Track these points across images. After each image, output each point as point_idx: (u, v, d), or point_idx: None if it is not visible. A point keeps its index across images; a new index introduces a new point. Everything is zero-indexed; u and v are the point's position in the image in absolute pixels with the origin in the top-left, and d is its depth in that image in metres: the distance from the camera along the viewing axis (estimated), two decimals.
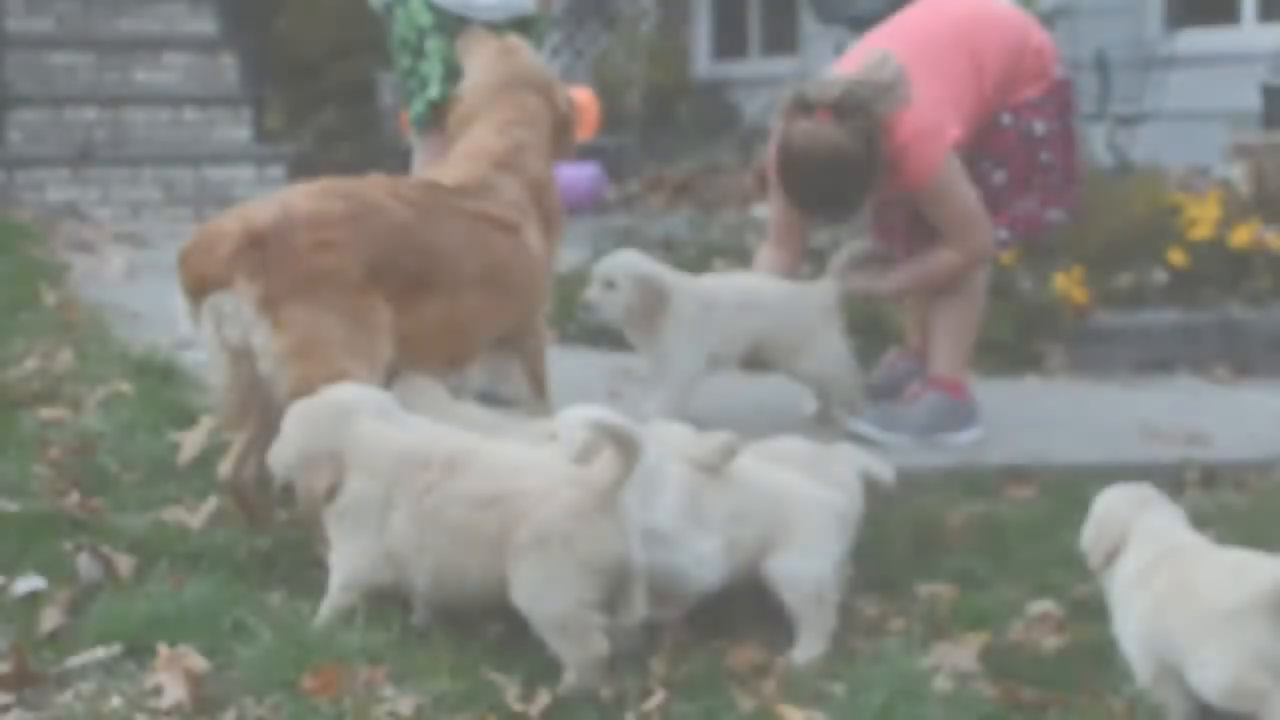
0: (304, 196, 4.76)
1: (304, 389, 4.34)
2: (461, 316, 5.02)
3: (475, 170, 5.24)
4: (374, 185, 4.97)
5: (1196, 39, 12.52)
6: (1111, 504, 4.00)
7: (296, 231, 4.58)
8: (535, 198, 5.33)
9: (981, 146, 6.01)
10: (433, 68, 6.32)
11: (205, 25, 14.01)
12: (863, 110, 5.67)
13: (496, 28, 6.03)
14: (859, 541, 4.57)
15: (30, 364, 6.40)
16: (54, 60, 13.23)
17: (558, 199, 5.53)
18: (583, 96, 13.84)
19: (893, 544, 4.91)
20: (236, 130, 13.13)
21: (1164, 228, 8.36)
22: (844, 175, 5.73)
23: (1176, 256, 8.15)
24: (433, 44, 6.30)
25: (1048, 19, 12.15)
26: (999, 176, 6.07)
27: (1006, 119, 6.03)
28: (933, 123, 5.82)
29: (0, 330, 7.02)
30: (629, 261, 5.87)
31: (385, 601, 3.99)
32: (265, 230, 4.55)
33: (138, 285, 8.68)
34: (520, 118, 5.42)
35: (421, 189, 5.08)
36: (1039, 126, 6.06)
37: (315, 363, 4.48)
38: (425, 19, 6.31)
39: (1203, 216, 8.28)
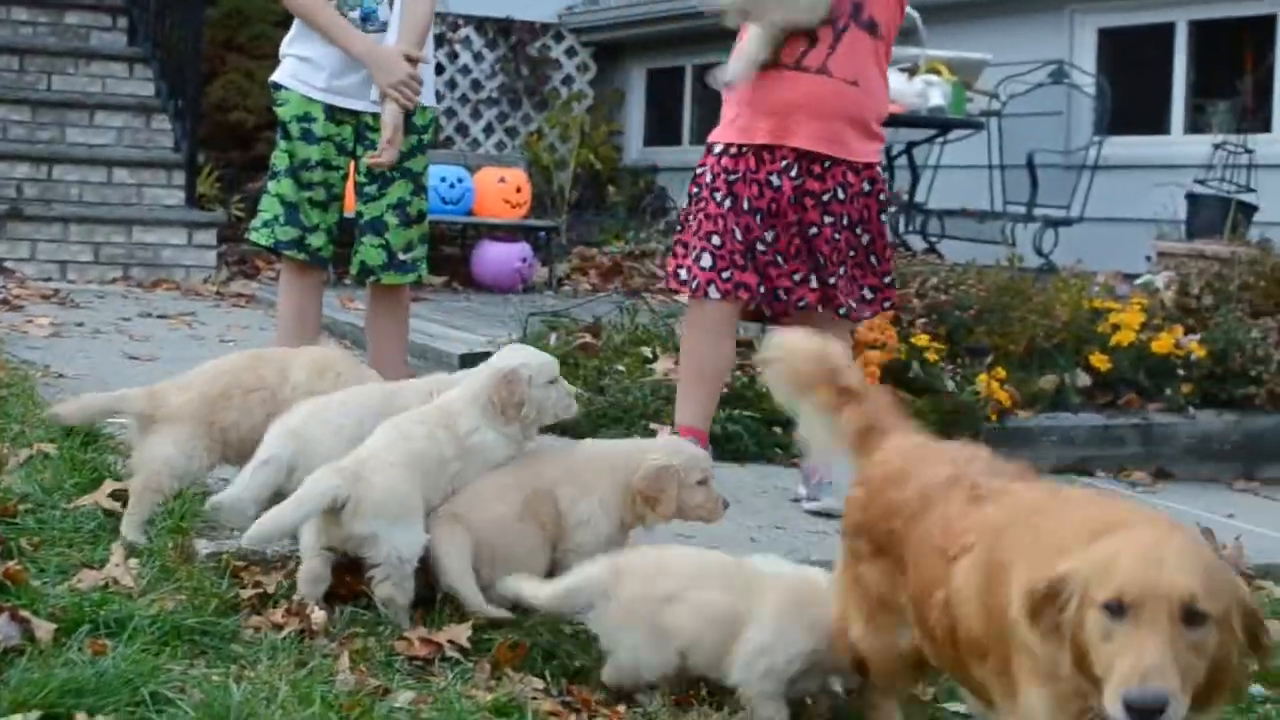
0: None
1: None
2: None
3: None
4: None
5: (1125, 147, 12.70)
6: None
7: None
8: None
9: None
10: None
11: (141, 88, 14.00)
12: None
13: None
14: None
15: None
16: None
17: None
18: (514, 178, 13.91)
19: None
20: (168, 194, 13.11)
21: (1087, 331, 8.45)
22: None
23: (1099, 360, 8.24)
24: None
25: (979, 120, 12.35)
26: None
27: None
28: None
29: None
30: None
31: (310, 676, 3.99)
32: None
33: (63, 345, 8.64)
34: None
35: None
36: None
37: None
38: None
39: (1126, 322, 8.38)
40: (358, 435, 4.86)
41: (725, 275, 6.28)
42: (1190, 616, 3.02)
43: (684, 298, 6.57)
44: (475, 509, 4.75)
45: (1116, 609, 3.04)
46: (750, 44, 6.18)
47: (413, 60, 6.40)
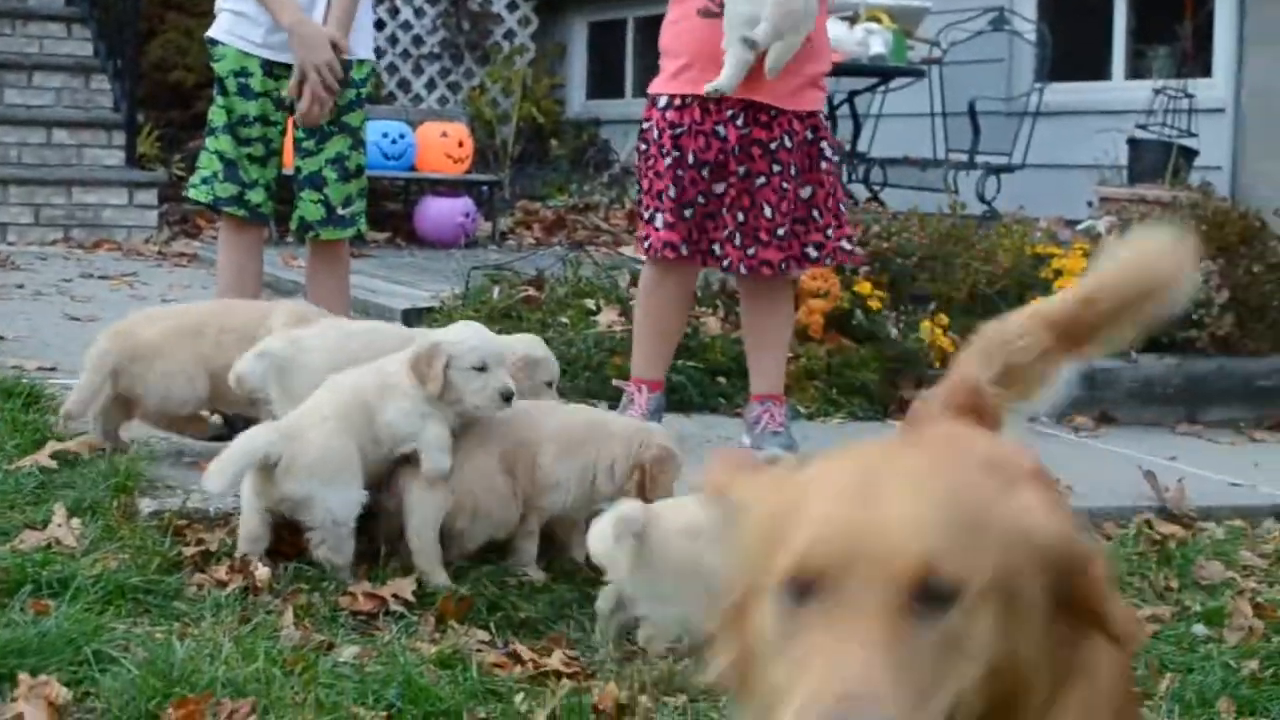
0: None
1: None
2: None
3: None
4: None
5: (1066, 93, 12.72)
6: None
7: None
8: None
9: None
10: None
11: (80, 48, 13.90)
12: None
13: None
14: None
15: None
16: None
17: None
18: (456, 132, 13.86)
19: None
20: (108, 154, 13.03)
21: (1030, 277, 8.47)
22: None
23: None
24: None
25: (920, 68, 12.36)
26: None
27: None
28: None
29: None
30: None
31: (254, 632, 3.99)
32: None
33: (4, 308, 8.60)
34: None
35: None
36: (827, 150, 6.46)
37: None
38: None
39: (1068, 268, 8.40)
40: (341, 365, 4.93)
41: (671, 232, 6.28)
42: (927, 593, 1.74)
43: (630, 250, 6.58)
44: (459, 461, 4.74)
45: (801, 590, 1.78)
46: (741, 54, 6.11)
47: (338, 48, 6.38)
